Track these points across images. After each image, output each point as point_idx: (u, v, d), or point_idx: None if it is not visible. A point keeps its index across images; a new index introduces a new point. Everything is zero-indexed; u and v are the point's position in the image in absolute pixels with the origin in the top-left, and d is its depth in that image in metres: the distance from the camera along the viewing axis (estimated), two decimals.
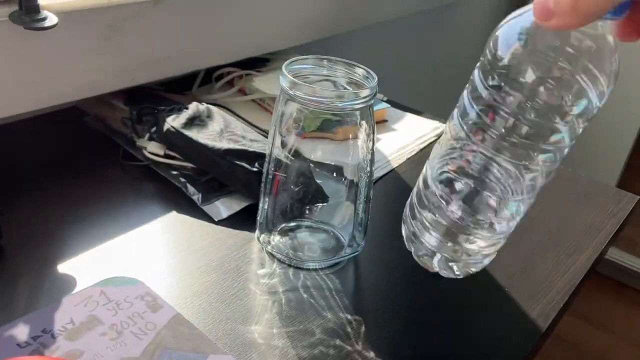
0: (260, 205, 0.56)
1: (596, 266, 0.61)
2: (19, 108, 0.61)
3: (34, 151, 0.68)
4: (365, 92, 0.50)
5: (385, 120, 0.84)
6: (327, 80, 0.55)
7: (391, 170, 0.72)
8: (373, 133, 0.54)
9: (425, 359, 0.47)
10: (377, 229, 0.61)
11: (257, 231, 0.57)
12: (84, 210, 0.59)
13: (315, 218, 0.58)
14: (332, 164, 0.56)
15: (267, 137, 0.55)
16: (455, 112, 0.44)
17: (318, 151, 0.55)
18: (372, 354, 0.47)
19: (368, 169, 0.55)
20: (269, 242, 0.56)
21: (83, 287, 0.49)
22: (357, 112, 0.52)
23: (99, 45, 0.65)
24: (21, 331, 0.44)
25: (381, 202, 0.66)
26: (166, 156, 0.65)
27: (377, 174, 0.70)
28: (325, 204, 0.57)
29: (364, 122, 0.52)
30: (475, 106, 0.41)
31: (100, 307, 0.47)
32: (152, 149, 0.66)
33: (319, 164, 0.56)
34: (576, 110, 0.38)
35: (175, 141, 0.64)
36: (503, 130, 0.40)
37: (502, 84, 0.39)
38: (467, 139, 0.43)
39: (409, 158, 0.76)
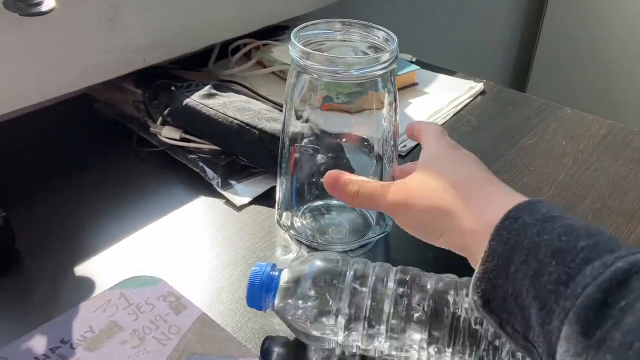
0: (278, 187, 0.52)
1: None
2: (23, 101, 0.57)
3: (45, 145, 0.65)
4: (385, 57, 0.45)
5: (416, 83, 0.78)
6: (344, 46, 0.50)
7: None
8: (396, 102, 0.48)
9: None
10: None
11: (276, 215, 0.53)
12: (99, 207, 0.56)
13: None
14: (358, 136, 0.52)
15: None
16: None
17: (339, 124, 0.51)
18: None
19: (392, 142, 0.50)
20: (291, 226, 0.52)
21: (102, 290, 0.46)
22: (378, 80, 0.46)
23: (102, 26, 0.61)
24: (39, 343, 0.41)
25: None
26: (182, 140, 0.61)
27: (410, 143, 0.65)
28: None
29: (385, 90, 0.47)
30: None
31: (120, 312, 0.44)
32: (167, 133, 0.62)
33: (343, 138, 0.51)
34: None
35: (194, 117, 0.60)
36: None
37: None
38: None
39: (444, 123, 0.70)
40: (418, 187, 0.39)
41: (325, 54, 0.46)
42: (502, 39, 1.70)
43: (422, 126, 0.47)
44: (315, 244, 0.51)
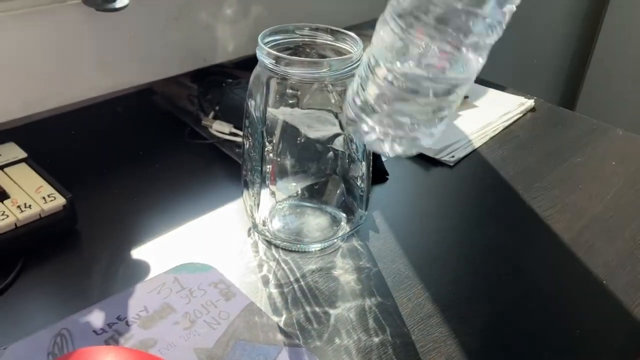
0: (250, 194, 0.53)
1: None
2: (93, 91, 0.61)
3: (107, 133, 0.68)
4: (350, 59, 0.47)
5: (466, 97, 0.79)
6: (308, 49, 0.51)
7: (473, 151, 0.68)
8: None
9: None
10: (458, 215, 0.57)
11: (250, 221, 0.54)
12: (154, 195, 0.58)
13: (311, 199, 0.55)
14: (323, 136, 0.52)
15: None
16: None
17: (308, 123, 0.51)
18: None
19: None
20: (267, 230, 0.53)
21: (156, 273, 0.48)
22: (346, 81, 0.47)
23: (168, 25, 0.64)
24: (97, 317, 0.44)
25: (462, 185, 0.62)
26: (231, 134, 0.64)
27: (459, 154, 0.66)
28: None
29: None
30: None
31: (173, 295, 0.46)
32: (218, 127, 0.65)
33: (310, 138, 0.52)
34: None
35: (242, 113, 0.63)
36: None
37: None
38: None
39: (493, 137, 0.71)
40: None
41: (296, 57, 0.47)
42: (554, 56, 1.69)
43: None
44: (287, 244, 0.52)
